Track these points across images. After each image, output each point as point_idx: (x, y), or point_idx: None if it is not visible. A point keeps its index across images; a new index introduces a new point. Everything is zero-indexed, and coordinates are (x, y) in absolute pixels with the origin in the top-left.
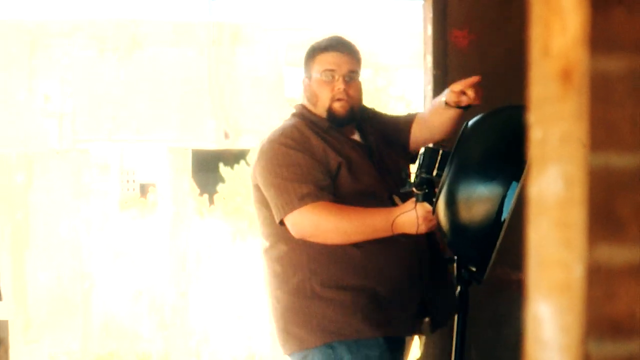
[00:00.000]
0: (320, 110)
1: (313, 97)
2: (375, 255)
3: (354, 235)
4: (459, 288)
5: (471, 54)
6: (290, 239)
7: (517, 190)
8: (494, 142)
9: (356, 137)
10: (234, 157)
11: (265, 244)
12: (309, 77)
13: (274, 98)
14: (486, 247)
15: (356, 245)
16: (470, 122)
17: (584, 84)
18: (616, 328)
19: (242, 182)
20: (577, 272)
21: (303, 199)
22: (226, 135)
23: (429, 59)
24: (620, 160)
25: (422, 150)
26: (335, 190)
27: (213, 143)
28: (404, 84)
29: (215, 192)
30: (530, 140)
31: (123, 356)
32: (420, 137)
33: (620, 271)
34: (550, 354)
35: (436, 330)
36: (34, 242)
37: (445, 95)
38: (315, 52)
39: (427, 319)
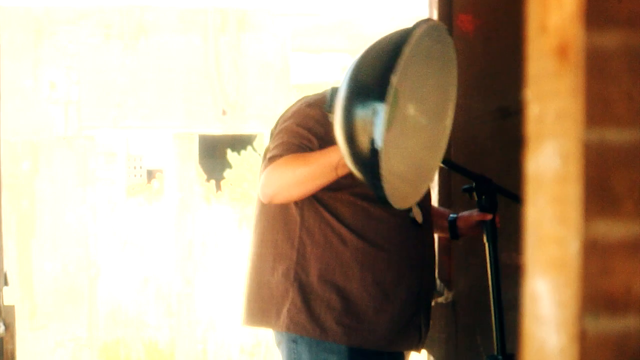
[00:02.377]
0: None
1: None
2: (368, 258)
3: (310, 181)
4: (487, 217)
5: (477, 39)
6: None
7: (385, 115)
8: (365, 68)
9: None
10: (241, 143)
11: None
12: None
13: (280, 84)
14: (373, 178)
15: (347, 244)
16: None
17: (580, 60)
18: (612, 303)
19: (249, 168)
20: (573, 248)
21: (272, 159)
22: (223, 112)
23: None
24: (616, 136)
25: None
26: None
27: (219, 129)
28: None
29: (222, 178)
30: (527, 116)
31: (129, 343)
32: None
33: (616, 247)
34: (547, 330)
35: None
36: (40, 229)
37: (460, 222)
38: None
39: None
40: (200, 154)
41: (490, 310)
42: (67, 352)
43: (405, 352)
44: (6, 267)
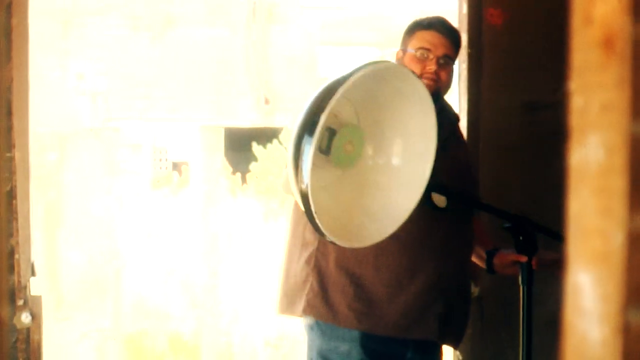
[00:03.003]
0: None
1: None
2: (382, 246)
3: None
4: (522, 258)
5: (506, 33)
6: None
7: (311, 151)
8: (310, 105)
9: None
10: (266, 136)
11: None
12: (404, 51)
13: (307, 77)
14: (308, 214)
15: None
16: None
17: (627, 51)
18: None
19: (274, 161)
20: (617, 240)
21: None
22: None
23: (464, 37)
24: None
25: None
26: None
27: (247, 121)
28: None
29: (247, 170)
30: (572, 108)
31: (154, 335)
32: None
33: None
34: (590, 323)
35: (444, 343)
36: (67, 220)
37: (496, 259)
38: (415, 28)
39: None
40: (225, 146)
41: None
42: (92, 343)
43: (438, 344)
44: (33, 258)
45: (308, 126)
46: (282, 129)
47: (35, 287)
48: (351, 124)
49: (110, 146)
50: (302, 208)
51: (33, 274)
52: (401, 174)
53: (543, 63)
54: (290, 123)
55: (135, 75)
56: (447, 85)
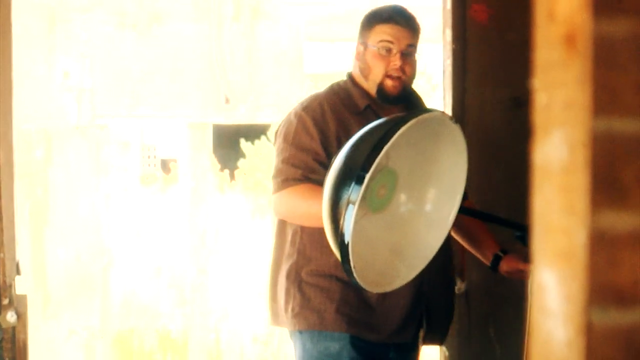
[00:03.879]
0: (371, 85)
1: (366, 69)
2: None
3: (318, 221)
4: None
5: (490, 28)
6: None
7: (354, 213)
8: (353, 153)
9: None
10: (255, 133)
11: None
12: (364, 46)
13: (293, 73)
14: (346, 264)
15: None
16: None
17: (588, 49)
18: (620, 296)
19: (262, 158)
20: (580, 239)
21: (286, 182)
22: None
23: (448, 33)
24: (624, 126)
25: None
26: None
27: (231, 118)
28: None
29: (236, 167)
30: (535, 105)
31: (142, 332)
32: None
33: (624, 238)
34: (554, 323)
35: (428, 343)
36: (54, 218)
37: (504, 264)
38: (374, 20)
39: (420, 330)
40: (214, 143)
41: (502, 302)
42: (80, 340)
43: (416, 343)
44: (19, 256)
45: (348, 176)
46: (269, 125)
47: (21, 286)
48: (385, 167)
49: (97, 143)
50: (338, 256)
51: (18, 273)
52: (430, 215)
53: (528, 58)
54: (277, 119)
55: (122, 72)
56: (412, 76)
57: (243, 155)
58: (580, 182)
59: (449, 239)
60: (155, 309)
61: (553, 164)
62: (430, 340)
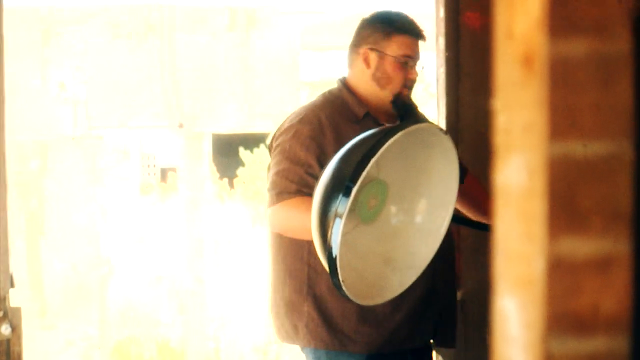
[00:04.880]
0: (387, 94)
1: (384, 79)
2: None
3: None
4: None
5: (483, 36)
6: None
7: (341, 226)
8: (340, 165)
9: None
10: (253, 141)
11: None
12: (381, 55)
13: (289, 82)
14: (334, 277)
15: None
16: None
17: (545, 69)
18: (579, 324)
19: (261, 166)
20: (539, 266)
21: (280, 195)
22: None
23: (441, 41)
24: (582, 150)
25: None
26: None
27: (229, 127)
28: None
29: (235, 176)
30: (496, 126)
31: (141, 342)
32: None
33: (583, 265)
34: (515, 351)
35: (444, 346)
36: (49, 228)
37: None
38: (390, 29)
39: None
40: (213, 151)
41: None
42: (78, 351)
43: (432, 349)
44: (13, 268)
45: (336, 188)
46: (267, 134)
47: (16, 297)
48: (375, 179)
49: (93, 154)
50: (327, 269)
51: (12, 285)
52: (422, 225)
53: None
54: (272, 128)
55: (117, 83)
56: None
57: (242, 164)
58: (538, 208)
59: (451, 241)
60: (154, 318)
61: (513, 188)
62: (444, 341)
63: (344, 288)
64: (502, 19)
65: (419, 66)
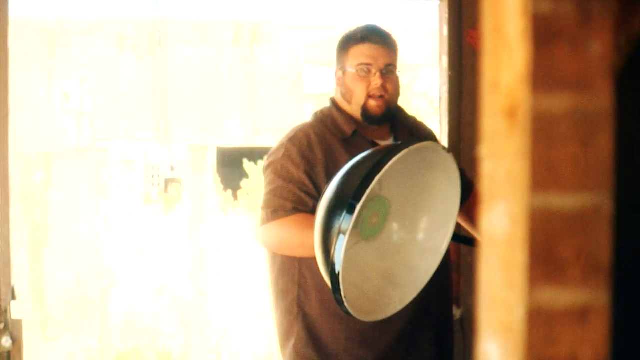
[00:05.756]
0: (355, 108)
1: (347, 93)
2: None
3: (308, 251)
4: None
5: None
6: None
7: (344, 243)
8: (344, 183)
9: (389, 143)
10: (257, 153)
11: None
12: (343, 71)
13: (293, 95)
14: (336, 293)
15: None
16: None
17: (528, 122)
18: None
19: None
20: (519, 313)
21: (275, 213)
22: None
23: (445, 59)
24: (562, 201)
25: None
26: None
27: (234, 141)
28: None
29: (239, 187)
30: (482, 174)
31: (142, 353)
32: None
33: (562, 314)
34: None
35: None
36: (53, 240)
37: None
38: (349, 43)
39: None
40: (217, 162)
41: None
42: None
43: None
44: (15, 280)
45: (340, 205)
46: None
47: (17, 310)
48: (378, 196)
49: (97, 166)
50: (329, 285)
51: (13, 297)
52: (423, 242)
53: None
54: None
55: (122, 95)
56: (396, 94)
57: (246, 176)
58: (519, 256)
59: (448, 261)
60: (156, 330)
61: (496, 235)
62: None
63: (345, 304)
64: (488, 71)
65: (391, 73)
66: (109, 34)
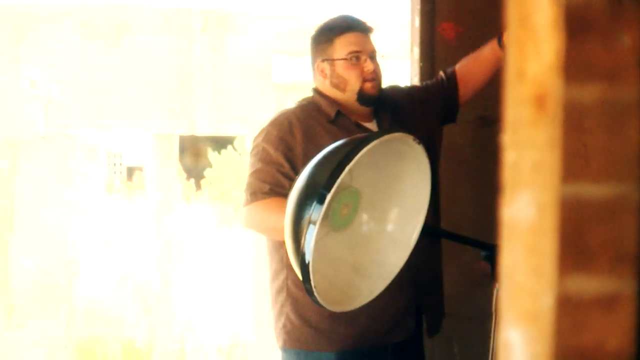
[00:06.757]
0: (350, 95)
1: (341, 83)
2: None
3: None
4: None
5: (459, 47)
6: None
7: (314, 232)
8: (314, 173)
9: (372, 125)
10: (221, 143)
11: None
12: (330, 62)
13: (261, 86)
14: (306, 283)
15: None
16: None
17: (557, 111)
18: (584, 359)
19: (229, 167)
20: (546, 301)
21: (254, 195)
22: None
23: (416, 51)
24: (592, 191)
25: None
26: None
27: (200, 130)
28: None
29: (202, 177)
30: (504, 162)
31: (106, 342)
32: (471, 88)
33: (590, 302)
34: None
35: (431, 336)
36: (18, 227)
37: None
38: (331, 34)
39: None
40: (180, 152)
41: (467, 320)
42: (45, 351)
43: (417, 343)
44: None
45: (310, 195)
46: (236, 137)
47: None
48: (348, 187)
49: (64, 153)
50: (299, 275)
51: None
52: (393, 234)
53: (496, 77)
54: (245, 131)
55: (89, 82)
56: (382, 76)
57: (209, 165)
58: (547, 244)
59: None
60: (119, 318)
61: (521, 224)
62: (429, 333)
63: (315, 294)
64: (513, 59)
65: (376, 58)
66: (77, 20)
